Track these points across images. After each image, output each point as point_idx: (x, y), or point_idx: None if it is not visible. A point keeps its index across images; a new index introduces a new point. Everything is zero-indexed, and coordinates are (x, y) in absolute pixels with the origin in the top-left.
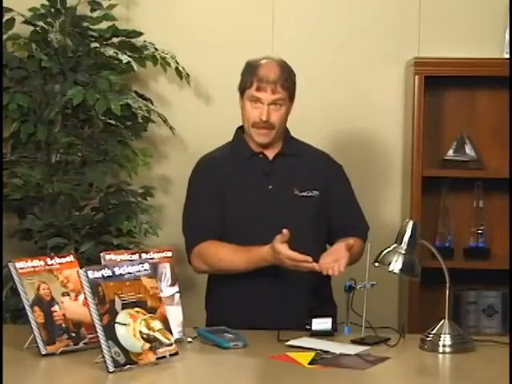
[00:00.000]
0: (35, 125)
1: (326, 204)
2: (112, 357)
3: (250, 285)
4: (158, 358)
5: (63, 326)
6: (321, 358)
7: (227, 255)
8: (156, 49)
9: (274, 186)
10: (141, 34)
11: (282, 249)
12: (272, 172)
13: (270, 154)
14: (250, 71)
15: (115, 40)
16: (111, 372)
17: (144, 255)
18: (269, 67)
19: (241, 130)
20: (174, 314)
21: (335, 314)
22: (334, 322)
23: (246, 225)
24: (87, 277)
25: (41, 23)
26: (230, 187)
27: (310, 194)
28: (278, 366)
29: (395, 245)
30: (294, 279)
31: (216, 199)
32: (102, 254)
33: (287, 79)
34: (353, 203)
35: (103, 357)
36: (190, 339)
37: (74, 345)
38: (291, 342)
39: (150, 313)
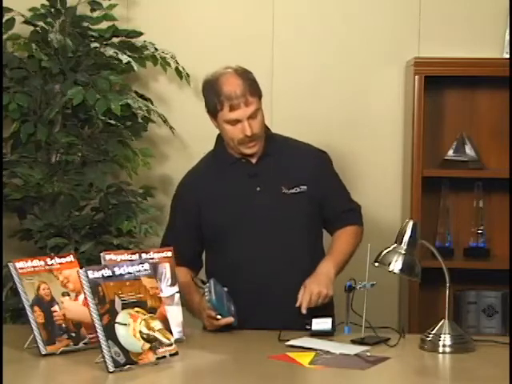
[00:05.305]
0: (35, 125)
1: (315, 196)
2: (112, 357)
3: (249, 285)
4: (158, 358)
5: (63, 325)
6: (321, 358)
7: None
8: (156, 49)
9: (261, 188)
10: (141, 34)
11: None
12: (257, 174)
13: (253, 156)
14: (214, 91)
15: (115, 40)
16: (111, 372)
17: (144, 255)
18: (230, 82)
19: (221, 137)
20: (174, 314)
21: (333, 313)
22: (333, 322)
23: (238, 229)
24: (87, 277)
25: (41, 23)
26: (215, 196)
27: (298, 191)
28: (278, 366)
29: (395, 245)
30: (292, 279)
31: (192, 222)
32: (101, 254)
33: (251, 84)
34: (341, 188)
35: (103, 357)
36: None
37: (74, 345)
38: (291, 342)
39: (150, 313)
